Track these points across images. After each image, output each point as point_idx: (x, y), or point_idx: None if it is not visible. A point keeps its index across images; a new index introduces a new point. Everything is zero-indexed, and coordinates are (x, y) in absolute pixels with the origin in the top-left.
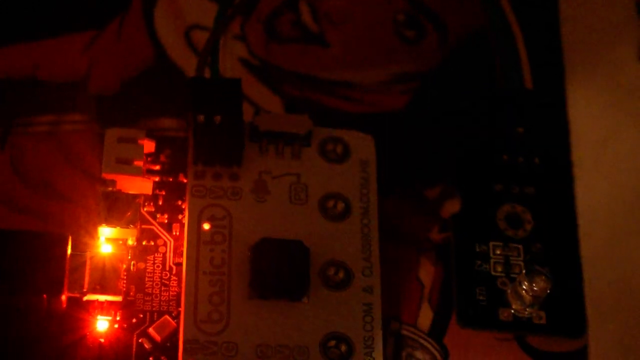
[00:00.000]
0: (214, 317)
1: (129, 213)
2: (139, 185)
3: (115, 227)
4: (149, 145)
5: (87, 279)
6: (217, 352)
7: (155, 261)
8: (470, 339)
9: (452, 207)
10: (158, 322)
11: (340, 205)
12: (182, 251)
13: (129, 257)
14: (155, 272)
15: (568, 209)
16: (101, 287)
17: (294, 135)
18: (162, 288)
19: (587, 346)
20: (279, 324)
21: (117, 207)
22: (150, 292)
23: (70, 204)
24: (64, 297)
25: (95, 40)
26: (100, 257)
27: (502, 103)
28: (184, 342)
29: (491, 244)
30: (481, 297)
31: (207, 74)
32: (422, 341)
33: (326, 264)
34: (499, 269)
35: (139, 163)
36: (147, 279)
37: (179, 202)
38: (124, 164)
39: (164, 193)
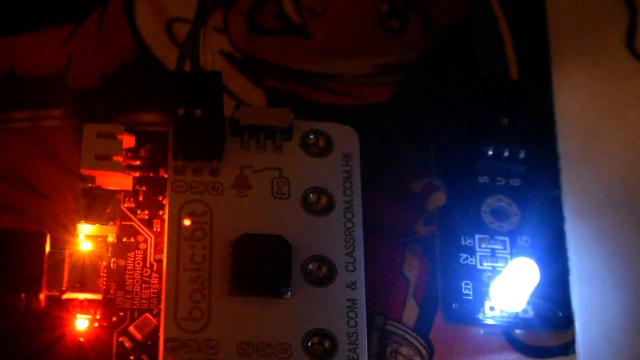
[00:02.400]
0: (195, 314)
1: (109, 209)
2: (119, 181)
3: (94, 223)
4: (128, 141)
5: (66, 277)
6: (198, 350)
7: (136, 258)
8: (456, 334)
9: (437, 200)
10: (139, 320)
11: (323, 200)
12: (162, 248)
13: (109, 255)
14: (136, 270)
15: (554, 201)
16: (80, 285)
17: (276, 129)
18: (143, 285)
19: (575, 339)
20: (260, 320)
21: (96, 204)
22: (130, 289)
23: (49, 200)
24: (42, 296)
25: (74, 34)
26: (79, 255)
27: (487, 94)
28: (165, 341)
29: (477, 237)
30: (467, 292)
31: (188, 67)
32: (407, 337)
33: (309, 260)
34: (485, 262)
35: (118, 158)
36: (127, 276)
37: (160, 198)
38: (103, 160)
39: (144, 189)
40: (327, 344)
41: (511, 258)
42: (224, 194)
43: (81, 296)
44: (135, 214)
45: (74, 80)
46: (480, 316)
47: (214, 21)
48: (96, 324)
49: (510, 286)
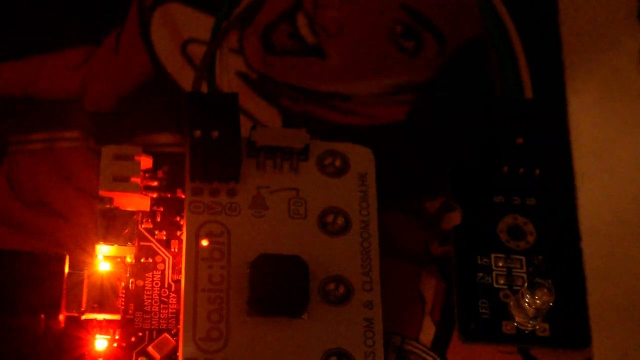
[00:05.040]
0: (213, 334)
1: (127, 230)
2: (137, 202)
3: (113, 244)
4: (146, 162)
5: (85, 297)
6: None
7: (154, 278)
8: (473, 352)
9: (452, 219)
10: (157, 340)
11: (340, 220)
12: (180, 268)
13: (128, 275)
14: (154, 290)
15: (570, 220)
16: (99, 305)
17: (292, 150)
18: (161, 305)
19: (592, 358)
20: (278, 341)
21: (114, 225)
22: (149, 310)
23: (67, 222)
24: (61, 317)
25: (91, 56)
26: (98, 276)
27: (502, 113)
28: None
29: (493, 256)
30: (483, 310)
31: (204, 87)
32: (424, 356)
33: (326, 279)
34: (501, 281)
35: (136, 180)
36: (145, 296)
37: (177, 218)
38: (121, 181)
39: (162, 209)
40: None
41: (527, 277)
42: (241, 214)
43: (100, 317)
44: (153, 234)
45: (91, 102)
46: (496, 335)
47: (230, 42)
48: (115, 344)
49: (526, 305)
